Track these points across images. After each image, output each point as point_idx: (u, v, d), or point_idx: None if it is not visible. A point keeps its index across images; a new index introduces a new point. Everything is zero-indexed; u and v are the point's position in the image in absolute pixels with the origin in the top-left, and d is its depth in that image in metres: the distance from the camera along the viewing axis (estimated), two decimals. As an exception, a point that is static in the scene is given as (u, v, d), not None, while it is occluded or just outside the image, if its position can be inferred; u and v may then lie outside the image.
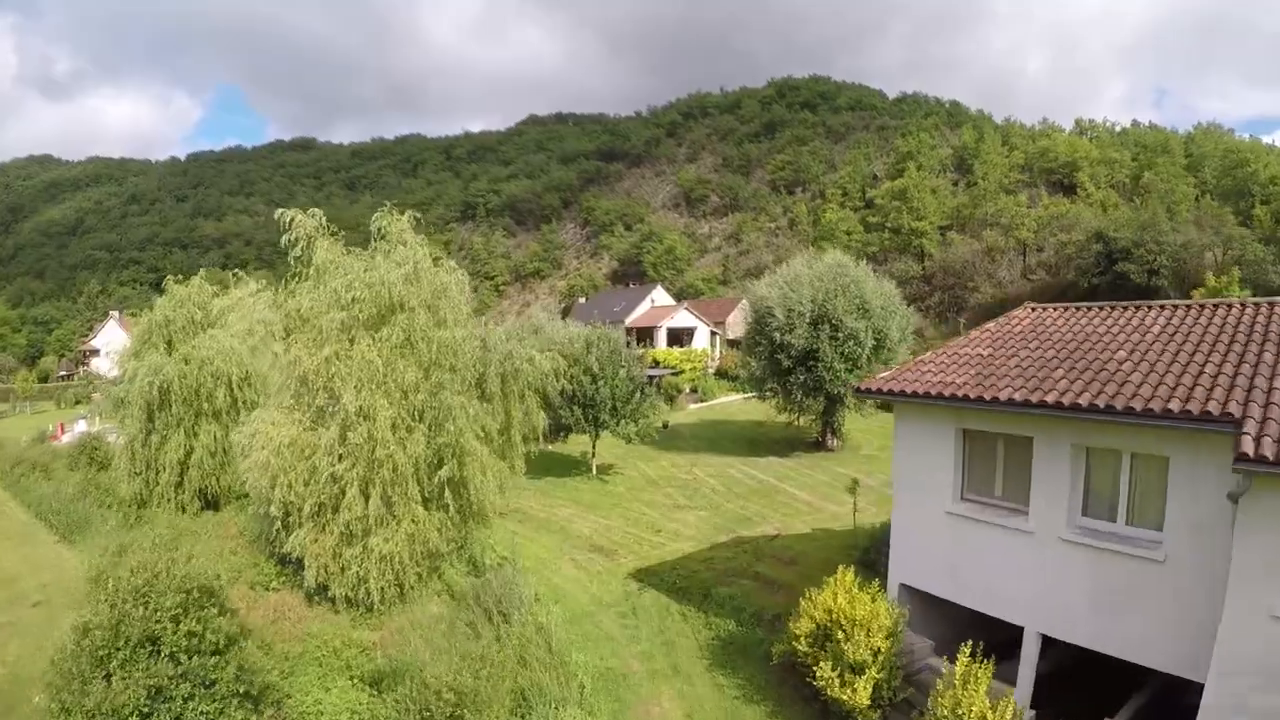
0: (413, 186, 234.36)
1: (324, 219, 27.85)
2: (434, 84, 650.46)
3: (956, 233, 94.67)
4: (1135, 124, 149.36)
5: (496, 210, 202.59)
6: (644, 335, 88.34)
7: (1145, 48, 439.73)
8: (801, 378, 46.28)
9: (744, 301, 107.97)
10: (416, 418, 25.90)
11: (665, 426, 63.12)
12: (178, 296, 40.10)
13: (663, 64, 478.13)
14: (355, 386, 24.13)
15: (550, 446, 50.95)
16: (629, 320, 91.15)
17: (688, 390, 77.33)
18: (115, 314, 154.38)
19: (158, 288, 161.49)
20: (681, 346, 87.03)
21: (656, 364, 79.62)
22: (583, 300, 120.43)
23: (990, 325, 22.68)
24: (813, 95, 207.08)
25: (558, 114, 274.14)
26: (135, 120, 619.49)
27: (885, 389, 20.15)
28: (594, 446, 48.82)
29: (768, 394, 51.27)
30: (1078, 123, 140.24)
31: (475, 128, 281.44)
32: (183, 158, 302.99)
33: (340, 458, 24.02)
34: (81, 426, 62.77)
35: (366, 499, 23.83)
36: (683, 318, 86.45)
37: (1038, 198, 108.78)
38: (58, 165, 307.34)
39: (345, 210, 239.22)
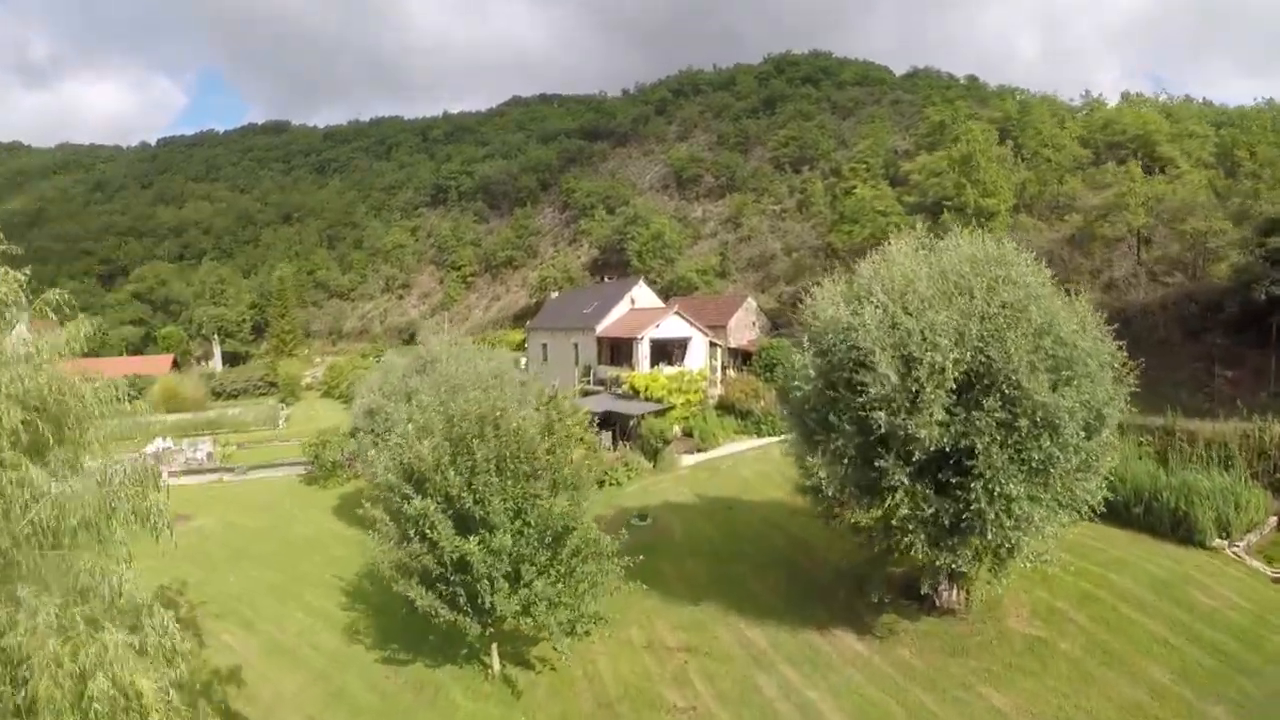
0: (384, 169, 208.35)
1: None
2: (419, 67, 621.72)
3: (1024, 215, 68.96)
4: (1188, 98, 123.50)
5: (469, 193, 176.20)
6: (620, 349, 62.62)
7: (1137, 32, 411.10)
8: (929, 508, 20.13)
9: (750, 301, 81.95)
10: None
11: (644, 520, 37.61)
12: None
13: (652, 46, 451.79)
14: None
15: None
16: (601, 327, 65.31)
17: (679, 434, 51.63)
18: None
19: (107, 281, 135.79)
20: (671, 364, 61.38)
21: (636, 393, 53.84)
22: (555, 294, 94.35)
23: None
24: (814, 70, 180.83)
25: (542, 95, 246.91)
26: (117, 106, 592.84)
27: None
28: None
29: (842, 516, 24.89)
30: (1125, 96, 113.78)
31: (457, 110, 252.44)
32: (154, 143, 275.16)
33: None
34: None
35: None
36: (672, 325, 60.47)
37: (1106, 175, 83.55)
38: (26, 152, 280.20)
39: (310, 196, 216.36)
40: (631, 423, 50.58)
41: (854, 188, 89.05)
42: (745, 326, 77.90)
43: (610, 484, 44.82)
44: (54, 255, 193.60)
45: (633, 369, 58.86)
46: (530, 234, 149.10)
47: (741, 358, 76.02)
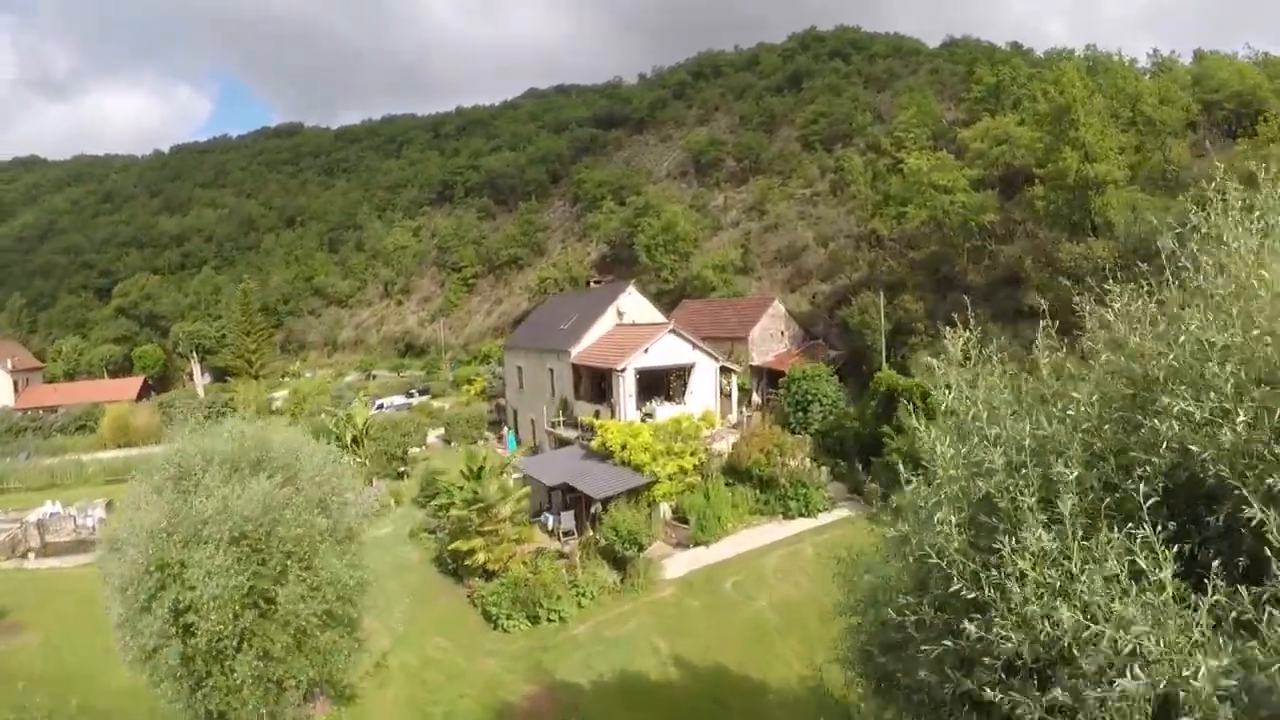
0: (392, 168, 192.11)
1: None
2: (441, 68, 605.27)
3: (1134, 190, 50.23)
4: (1268, 55, 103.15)
5: (476, 188, 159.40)
6: (599, 383, 45.56)
7: (1162, 14, 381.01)
8: None
9: (776, 305, 63.69)
10: None
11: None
12: None
13: (672, 36, 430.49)
14: None
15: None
16: (576, 351, 48.06)
17: (667, 516, 34.38)
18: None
19: (105, 296, 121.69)
20: (670, 399, 44.20)
21: (608, 455, 36.50)
22: (555, 295, 76.90)
23: None
24: (842, 44, 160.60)
25: (559, 85, 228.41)
26: (143, 116, 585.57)
27: None
28: None
29: None
30: (1198, 54, 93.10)
31: (471, 104, 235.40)
32: (167, 151, 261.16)
33: None
34: None
35: None
36: (667, 348, 43.00)
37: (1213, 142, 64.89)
38: (43, 166, 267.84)
39: (316, 198, 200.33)
40: (594, 509, 33.34)
41: (901, 162, 70.82)
42: (771, 337, 60.34)
43: (549, 618, 27.82)
44: (58, 269, 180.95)
45: (612, 411, 41.76)
46: (537, 230, 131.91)
47: (767, 379, 58.43)
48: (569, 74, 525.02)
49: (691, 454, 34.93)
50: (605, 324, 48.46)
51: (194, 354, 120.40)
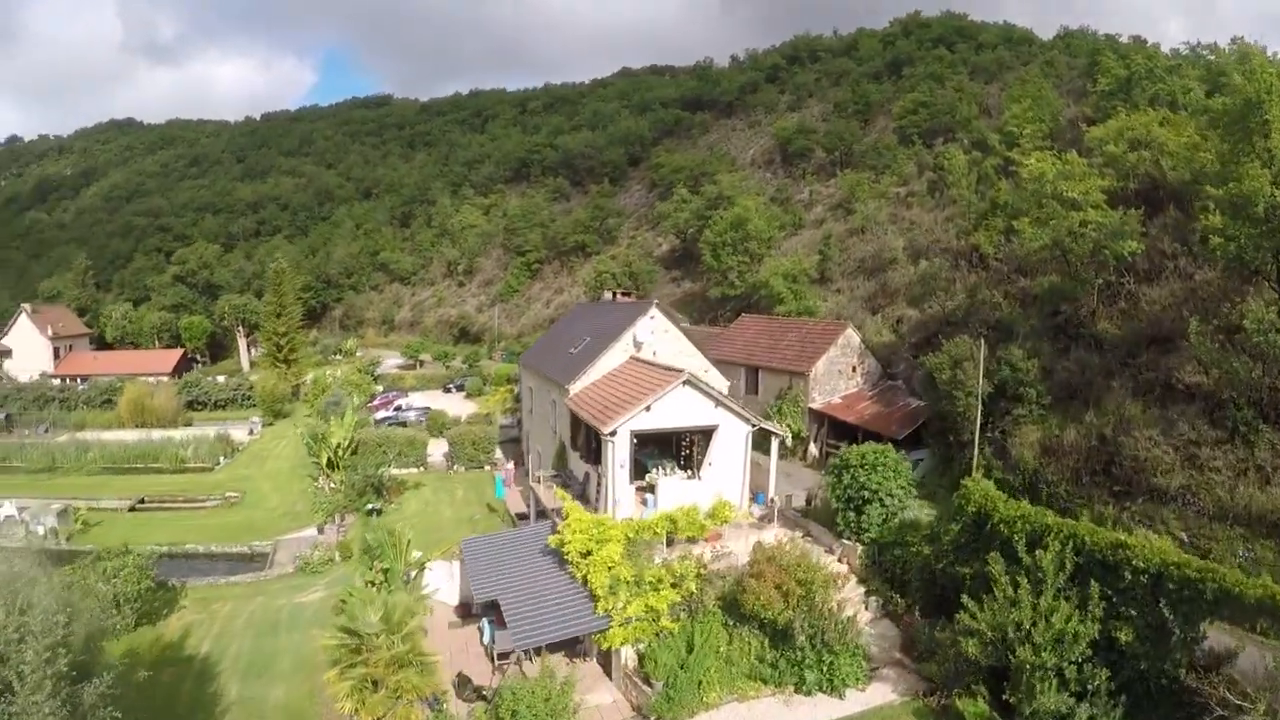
0: (472, 143, 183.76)
1: None
2: (543, 44, 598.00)
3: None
4: None
5: (552, 168, 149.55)
6: (594, 439, 34.46)
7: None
8: None
9: (849, 335, 50.48)
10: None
11: None
12: None
13: (778, 19, 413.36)
14: None
15: None
16: (576, 389, 37.14)
17: (630, 665, 23.37)
18: (25, 308, 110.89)
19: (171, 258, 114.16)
20: (686, 468, 33.08)
21: (563, 563, 25.58)
22: (608, 296, 64.47)
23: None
24: (948, 30, 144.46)
25: (653, 66, 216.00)
26: (245, 83, 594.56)
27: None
28: None
29: None
30: None
31: (559, 81, 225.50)
32: (258, 118, 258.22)
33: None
34: None
35: None
36: (679, 404, 30.39)
37: None
38: (138, 129, 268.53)
39: (394, 170, 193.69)
40: (505, 665, 22.55)
41: (1011, 164, 57.50)
42: (840, 374, 48.32)
43: None
44: (137, 230, 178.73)
45: (599, 480, 30.81)
46: (608, 215, 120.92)
47: (829, 428, 46.64)
48: (667, 54, 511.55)
49: (674, 584, 23.65)
50: (617, 355, 37.48)
51: (240, 328, 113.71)
